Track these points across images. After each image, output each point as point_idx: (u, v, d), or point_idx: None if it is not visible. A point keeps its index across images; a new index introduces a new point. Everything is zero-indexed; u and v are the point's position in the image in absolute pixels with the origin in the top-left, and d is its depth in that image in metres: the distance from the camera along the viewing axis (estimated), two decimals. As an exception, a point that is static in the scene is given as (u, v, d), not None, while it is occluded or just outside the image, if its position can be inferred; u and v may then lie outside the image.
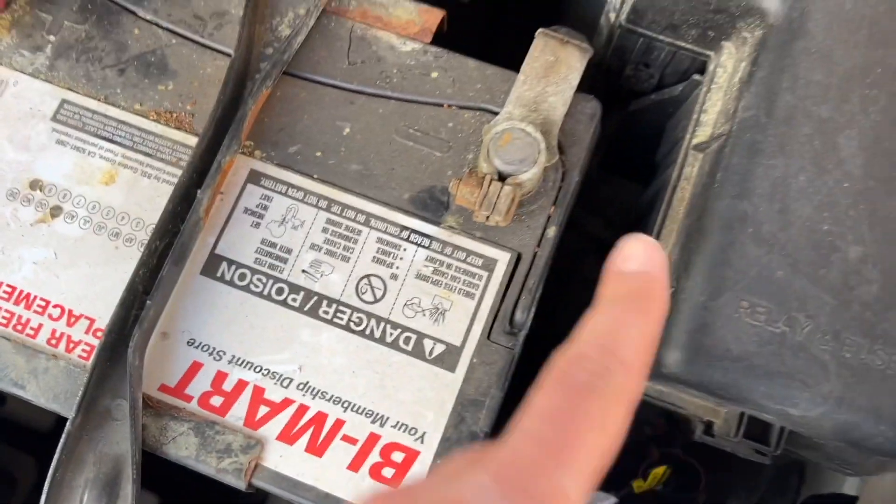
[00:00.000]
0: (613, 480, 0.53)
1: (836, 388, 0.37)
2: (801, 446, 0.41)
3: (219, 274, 0.41)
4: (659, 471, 0.51)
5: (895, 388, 0.37)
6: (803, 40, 0.41)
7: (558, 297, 0.76)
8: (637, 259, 0.29)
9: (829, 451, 0.41)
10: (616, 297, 0.28)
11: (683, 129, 0.47)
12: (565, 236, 0.74)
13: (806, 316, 0.38)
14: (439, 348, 0.40)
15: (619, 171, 0.70)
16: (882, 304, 0.38)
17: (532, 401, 0.25)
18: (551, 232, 0.42)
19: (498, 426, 0.40)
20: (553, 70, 0.43)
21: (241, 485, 0.38)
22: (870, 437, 0.37)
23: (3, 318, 0.41)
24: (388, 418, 0.39)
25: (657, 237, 0.43)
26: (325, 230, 0.42)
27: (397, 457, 0.39)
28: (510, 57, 0.45)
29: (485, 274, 0.41)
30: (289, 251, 0.42)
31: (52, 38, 0.45)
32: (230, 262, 0.41)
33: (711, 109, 0.44)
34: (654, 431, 0.67)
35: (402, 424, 0.39)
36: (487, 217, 0.40)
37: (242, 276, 0.41)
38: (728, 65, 0.44)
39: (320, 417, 0.39)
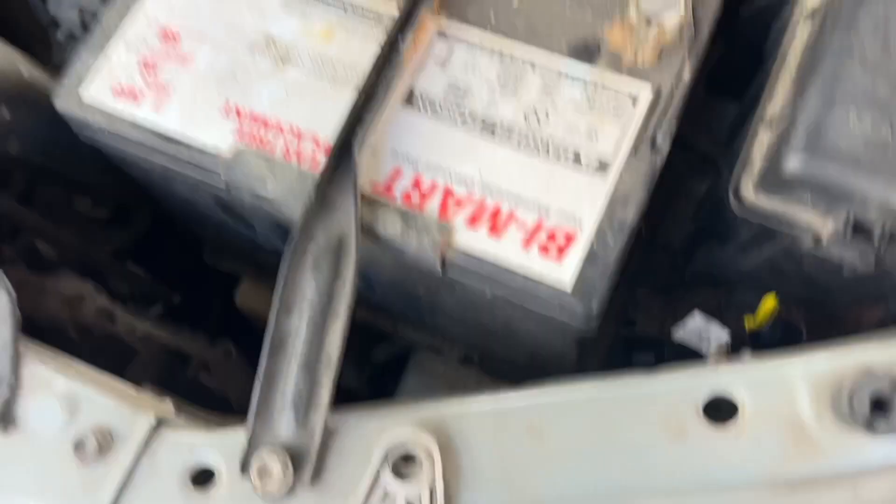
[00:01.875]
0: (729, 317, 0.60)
1: (930, 181, 0.45)
2: (900, 252, 0.49)
3: (415, 105, 0.52)
4: (769, 301, 0.58)
5: (983, 180, 0.45)
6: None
7: (665, 211, 0.84)
8: None
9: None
10: None
11: (785, 21, 0.56)
12: (674, 154, 0.83)
13: (905, 124, 0.46)
14: (594, 160, 0.50)
15: (727, 91, 0.79)
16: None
17: None
18: (686, 75, 0.51)
19: (639, 220, 0.49)
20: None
21: (435, 258, 0.48)
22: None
23: (251, 136, 0.52)
24: (551, 207, 0.49)
25: (770, 90, 0.52)
26: (498, 73, 0.52)
27: (560, 237, 0.48)
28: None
29: (630, 103, 0.51)
30: (469, 89, 0.52)
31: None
32: (424, 97, 0.52)
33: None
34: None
35: (564, 212, 0.49)
36: (635, 56, 0.50)
37: (434, 107, 0.52)
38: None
39: (497, 209, 0.49)
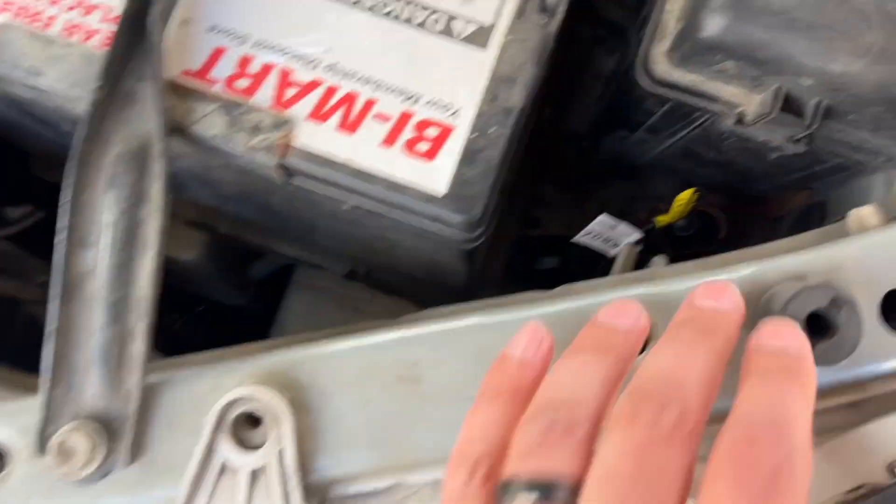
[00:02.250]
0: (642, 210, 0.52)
1: (878, 39, 0.37)
2: (834, 129, 0.41)
3: (237, -38, 0.40)
4: (684, 195, 0.50)
5: (938, 37, 0.37)
6: None
7: (570, 90, 0.75)
8: (783, 337, 0.29)
9: (863, 134, 0.41)
10: (770, 370, 0.28)
11: None
12: (577, 25, 0.72)
13: (849, -33, 0.37)
14: (470, 27, 0.39)
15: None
16: (926, -46, 0.37)
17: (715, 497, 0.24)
18: (581, -87, 0.40)
19: (534, 102, 0.39)
20: None
21: (271, 161, 0.38)
22: (912, 88, 0.37)
23: (21, 9, 0.39)
24: (420, 96, 0.38)
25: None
26: (345, -85, 0.40)
27: (432, 132, 0.38)
28: None
29: (514, -46, 0.40)
30: (309, -63, 0.40)
31: None
32: (248, -50, 0.40)
33: None
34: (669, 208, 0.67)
35: (436, 101, 0.38)
36: None
37: (262, -37, 0.40)
38: None
39: (351, 96, 0.38)
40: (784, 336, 0.29)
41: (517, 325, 0.36)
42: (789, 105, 0.40)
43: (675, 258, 0.59)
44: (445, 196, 0.37)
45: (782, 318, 0.31)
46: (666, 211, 0.67)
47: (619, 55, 0.62)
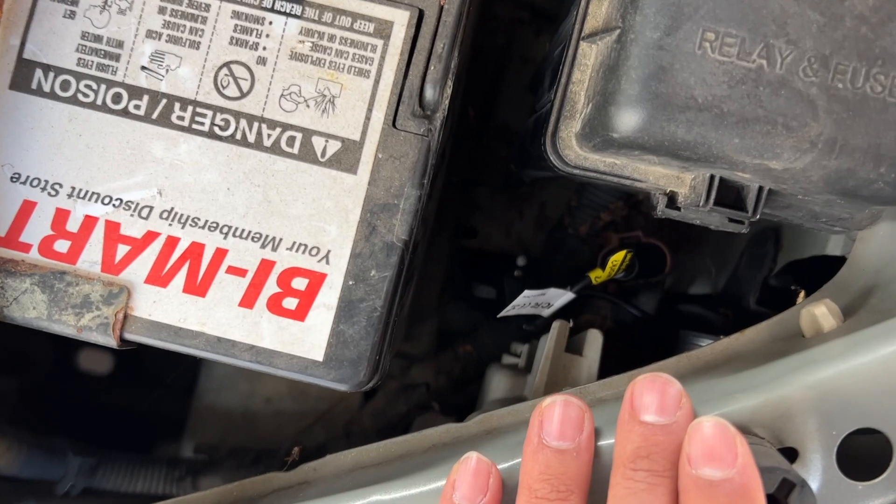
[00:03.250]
0: (569, 275, 0.47)
1: (826, 129, 0.30)
2: (782, 206, 0.35)
3: (34, 85, 0.32)
4: (618, 257, 0.44)
5: (898, 119, 0.30)
6: None
7: (495, 80, 0.67)
8: (720, 461, 0.26)
9: (816, 210, 0.35)
10: None
11: None
12: (498, 5, 0.63)
13: (787, 41, 0.30)
14: (333, 146, 0.32)
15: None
16: (880, 16, 0.30)
17: None
18: (458, -23, 0.32)
19: (415, 231, 0.32)
20: None
21: (110, 341, 0.31)
22: (867, 183, 0.31)
23: None
24: (280, 240, 0.32)
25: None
26: (162, 10, 0.32)
27: (299, 283, 0.31)
28: None
29: (379, 42, 0.32)
30: (119, 44, 0.32)
31: None
32: (46, 68, 0.32)
33: None
34: (612, 217, 0.61)
35: (300, 245, 0.32)
36: (370, -36, 0.31)
37: (65, 85, 0.32)
38: None
39: (195, 249, 0.31)
40: (720, 459, 0.25)
41: (427, 499, 0.31)
42: (727, 192, 0.33)
43: (618, 297, 0.54)
44: (324, 363, 0.31)
45: (713, 422, 0.27)
46: (608, 224, 0.61)
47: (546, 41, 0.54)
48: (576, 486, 0.28)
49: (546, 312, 0.46)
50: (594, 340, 0.42)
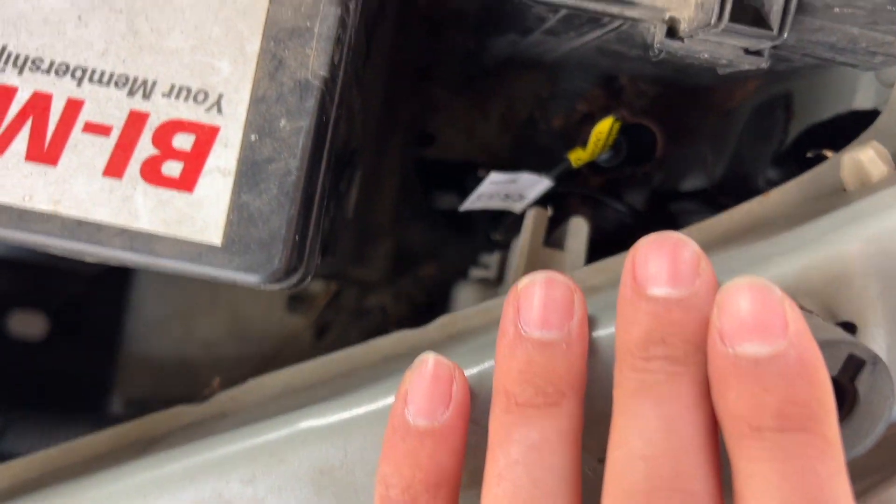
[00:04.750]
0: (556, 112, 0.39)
1: None
2: (813, 29, 0.27)
3: None
4: (603, 126, 0.37)
5: None
6: None
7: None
8: (764, 331, 0.19)
9: (854, 32, 0.27)
10: (765, 420, 0.18)
11: None
12: None
13: None
14: (219, -49, 0.23)
15: None
16: None
17: None
18: None
19: (337, 65, 0.24)
20: None
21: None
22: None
23: None
24: (154, 83, 0.23)
25: None
26: None
27: (183, 141, 0.23)
28: None
29: None
30: None
31: None
32: None
33: None
34: (589, 107, 0.53)
35: (181, 88, 0.23)
36: None
37: None
38: None
39: (39, 101, 0.23)
40: (762, 326, 0.18)
41: (373, 422, 0.24)
42: (744, 7, 0.25)
43: (601, 192, 0.46)
44: (223, 247, 0.23)
45: (748, 280, 0.19)
46: (585, 117, 0.53)
47: None
48: (567, 386, 0.21)
49: (518, 207, 0.39)
50: (578, 231, 0.35)
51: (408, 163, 0.58)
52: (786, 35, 0.26)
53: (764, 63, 0.28)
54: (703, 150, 0.47)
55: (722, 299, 0.19)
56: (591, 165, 0.42)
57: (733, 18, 0.25)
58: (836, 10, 0.26)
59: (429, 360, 0.22)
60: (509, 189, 0.37)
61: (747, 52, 0.28)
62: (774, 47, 0.27)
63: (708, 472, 0.19)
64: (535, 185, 0.36)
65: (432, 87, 0.59)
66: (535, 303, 0.21)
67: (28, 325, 0.64)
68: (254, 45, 0.23)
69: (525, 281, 0.22)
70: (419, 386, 0.22)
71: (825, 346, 0.20)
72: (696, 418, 0.19)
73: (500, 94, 0.58)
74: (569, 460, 0.20)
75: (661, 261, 0.20)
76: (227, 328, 0.58)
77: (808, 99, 0.38)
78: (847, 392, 0.21)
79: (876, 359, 0.20)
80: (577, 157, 0.38)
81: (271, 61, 0.23)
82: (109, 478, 0.25)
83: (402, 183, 0.57)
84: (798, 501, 0.17)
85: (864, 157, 0.26)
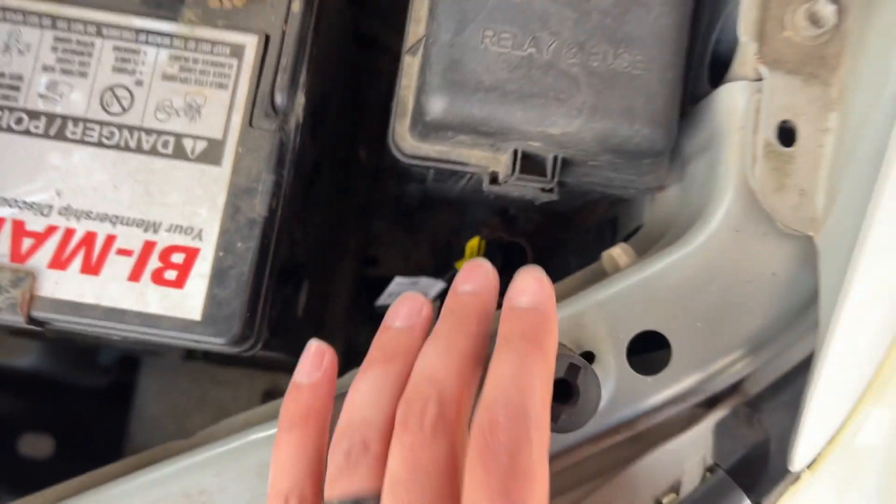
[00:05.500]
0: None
1: (588, 98, 0.38)
2: (581, 174, 0.43)
3: (-52, 115, 0.38)
4: (472, 242, 0.52)
5: (642, 87, 0.38)
6: None
7: (382, 124, 0.75)
8: (528, 293, 0.31)
9: (610, 174, 0.43)
10: (514, 335, 0.30)
11: None
12: (380, 60, 0.72)
13: (550, 34, 0.38)
14: (201, 145, 0.39)
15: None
16: (619, 9, 0.39)
17: (471, 488, 0.26)
18: (296, 6, 0.40)
19: (274, 209, 0.39)
20: None
21: (19, 319, 0.37)
22: (627, 138, 0.39)
23: None
24: (160, 224, 0.38)
25: (410, 11, 0.42)
26: (54, 49, 0.39)
27: (177, 258, 0.38)
28: None
29: (234, 62, 0.40)
30: (20, 78, 0.39)
31: None
32: (-42, 101, 0.38)
33: None
34: (492, 232, 0.69)
35: (176, 226, 0.38)
36: (222, 0, 0.38)
37: (-25, 113, 0.38)
38: None
39: (89, 238, 0.38)
40: (531, 289, 0.31)
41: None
42: (530, 163, 0.41)
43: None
44: (201, 321, 0.37)
45: (533, 267, 0.33)
46: (489, 235, 0.68)
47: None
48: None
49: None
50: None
51: (357, 279, 0.72)
52: (556, 180, 0.41)
53: (555, 196, 0.43)
54: (569, 259, 0.62)
55: (517, 276, 0.33)
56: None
57: (523, 171, 0.41)
58: (591, 163, 0.42)
59: (311, 344, 0.35)
60: (412, 289, 0.51)
61: (543, 190, 0.43)
62: (562, 185, 0.43)
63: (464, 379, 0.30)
64: (433, 286, 0.51)
65: (374, 221, 0.74)
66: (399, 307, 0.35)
67: (36, 446, 0.76)
68: (221, 199, 0.38)
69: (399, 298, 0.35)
70: (304, 360, 0.35)
71: (559, 358, 0.34)
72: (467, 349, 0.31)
73: (426, 225, 0.74)
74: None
75: (468, 272, 0.34)
76: (214, 421, 0.70)
77: (625, 218, 0.54)
78: (573, 387, 0.34)
79: (587, 365, 0.34)
80: (460, 264, 0.52)
81: (232, 208, 0.38)
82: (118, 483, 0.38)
83: (352, 294, 0.71)
84: (519, 378, 0.28)
85: (614, 252, 0.41)
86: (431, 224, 0.73)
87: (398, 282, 0.49)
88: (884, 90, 0.35)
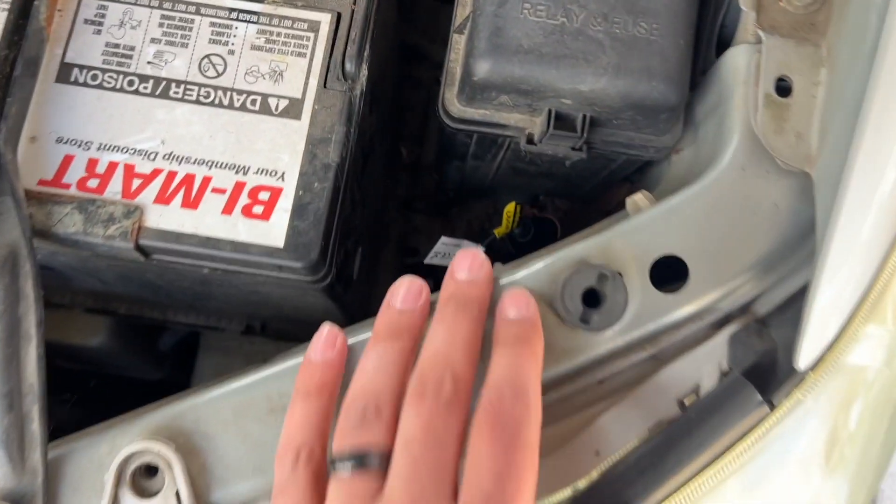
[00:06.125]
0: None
1: (612, 59, 0.45)
2: (607, 136, 0.49)
3: (72, 79, 0.45)
4: (509, 207, 0.58)
5: (658, 50, 0.45)
6: None
7: (422, 127, 0.82)
8: (516, 307, 0.38)
9: (631, 135, 0.49)
10: (509, 339, 0.36)
11: None
12: (418, 69, 0.79)
13: (579, 6, 0.45)
14: (283, 103, 0.46)
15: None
16: (639, -14, 0.45)
17: (477, 451, 0.32)
18: (363, -9, 0.48)
19: (344, 157, 0.46)
20: None
21: (129, 246, 0.43)
22: (647, 94, 0.45)
23: None
24: (249, 167, 0.45)
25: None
26: (161, 24, 0.46)
27: (264, 195, 0.44)
28: None
29: (311, 35, 0.47)
30: (132, 48, 0.46)
31: None
32: (80, 67, 0.46)
33: None
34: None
35: (263, 169, 0.45)
36: (302, -18, 0.46)
37: (94, 77, 0.46)
38: None
39: (189, 178, 0.44)
40: (518, 305, 0.37)
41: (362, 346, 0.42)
42: (562, 122, 0.47)
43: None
44: (284, 248, 0.44)
45: (518, 288, 0.39)
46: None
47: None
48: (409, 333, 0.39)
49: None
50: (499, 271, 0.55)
51: (399, 267, 0.78)
52: (586, 135, 0.47)
53: (584, 154, 0.49)
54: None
55: (504, 296, 0.39)
56: (511, 239, 0.63)
57: (556, 128, 0.47)
58: (615, 121, 0.48)
59: (324, 327, 0.41)
60: (455, 251, 0.57)
61: (573, 149, 0.49)
62: (589, 144, 0.49)
63: (470, 360, 0.36)
64: (470, 247, 0.57)
65: (414, 215, 0.81)
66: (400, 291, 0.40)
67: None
68: (301, 146, 0.45)
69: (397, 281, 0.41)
70: (316, 342, 0.40)
71: (592, 268, 0.40)
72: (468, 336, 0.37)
73: (461, 216, 0.80)
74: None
75: (464, 261, 0.40)
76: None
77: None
78: (600, 294, 0.40)
79: (614, 273, 0.40)
80: (499, 231, 0.58)
81: (310, 154, 0.45)
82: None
83: (394, 280, 0.77)
84: (518, 367, 0.35)
85: (637, 197, 0.47)
86: (466, 217, 0.80)
87: (444, 241, 0.56)
88: (862, 48, 0.41)
